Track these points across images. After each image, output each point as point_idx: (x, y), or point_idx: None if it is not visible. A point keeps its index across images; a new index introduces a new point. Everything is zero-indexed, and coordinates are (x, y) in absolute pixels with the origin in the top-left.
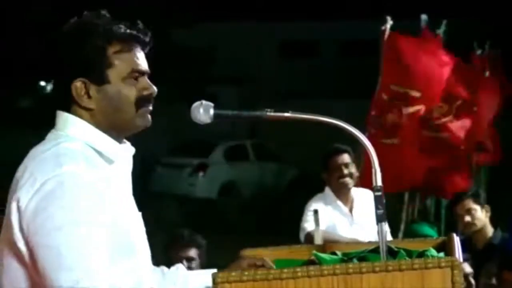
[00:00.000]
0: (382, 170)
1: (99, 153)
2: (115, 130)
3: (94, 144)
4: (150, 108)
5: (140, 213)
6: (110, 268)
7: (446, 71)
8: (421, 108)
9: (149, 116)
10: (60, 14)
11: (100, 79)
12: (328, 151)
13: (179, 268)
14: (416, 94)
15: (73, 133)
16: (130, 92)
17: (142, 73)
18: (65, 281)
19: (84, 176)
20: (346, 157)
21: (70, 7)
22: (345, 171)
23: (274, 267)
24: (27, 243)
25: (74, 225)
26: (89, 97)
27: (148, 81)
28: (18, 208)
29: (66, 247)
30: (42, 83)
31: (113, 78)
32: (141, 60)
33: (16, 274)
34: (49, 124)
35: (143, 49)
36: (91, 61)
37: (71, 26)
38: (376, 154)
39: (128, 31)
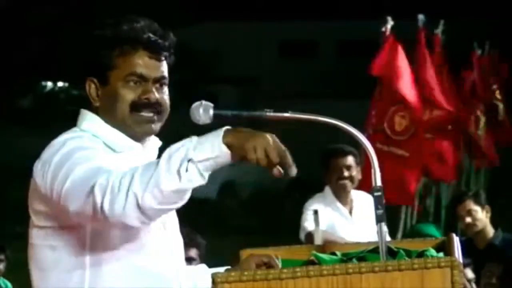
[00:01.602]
0: (382, 178)
1: (105, 144)
2: (118, 129)
3: (100, 135)
4: (149, 115)
5: None
6: None
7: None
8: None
9: (151, 125)
10: (60, 15)
11: (104, 80)
12: (331, 150)
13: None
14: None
15: (85, 127)
16: (127, 95)
17: (142, 77)
18: (60, 181)
19: (84, 141)
20: (349, 159)
21: (70, 7)
22: (346, 174)
23: (279, 264)
24: (42, 200)
25: (71, 152)
26: (98, 96)
27: (152, 88)
28: (33, 179)
29: (62, 161)
30: (45, 84)
31: (113, 79)
32: (146, 65)
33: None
34: (49, 124)
35: (156, 57)
36: (98, 62)
37: (83, 29)
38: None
39: (133, 35)
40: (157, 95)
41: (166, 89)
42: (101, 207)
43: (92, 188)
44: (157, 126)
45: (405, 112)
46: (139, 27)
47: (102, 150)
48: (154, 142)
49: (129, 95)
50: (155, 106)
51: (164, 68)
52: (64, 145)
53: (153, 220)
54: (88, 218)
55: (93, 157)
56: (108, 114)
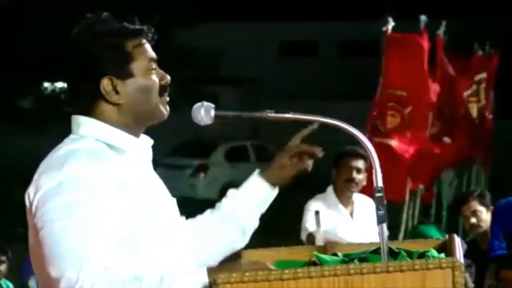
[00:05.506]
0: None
1: (109, 145)
2: (140, 122)
3: (103, 138)
4: (168, 98)
5: (174, 199)
6: (115, 254)
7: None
8: (410, 109)
9: (168, 107)
10: (60, 14)
11: (125, 74)
12: (345, 150)
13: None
14: (402, 93)
15: (84, 132)
16: (155, 82)
17: (156, 61)
18: (54, 271)
19: (84, 172)
20: (360, 163)
21: (70, 7)
22: (354, 175)
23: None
24: (35, 235)
25: (67, 218)
26: (117, 92)
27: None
28: (28, 202)
29: (58, 239)
30: (45, 84)
31: (137, 71)
32: (151, 50)
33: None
34: (49, 124)
35: (150, 42)
36: (113, 58)
37: (84, 29)
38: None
39: (138, 26)
40: None
41: None
42: None
43: None
44: None
45: (395, 111)
46: (132, 20)
47: (106, 186)
48: (146, 139)
49: (156, 81)
50: (168, 90)
51: None
52: (60, 186)
53: None
54: None
55: (102, 225)
56: (135, 106)
